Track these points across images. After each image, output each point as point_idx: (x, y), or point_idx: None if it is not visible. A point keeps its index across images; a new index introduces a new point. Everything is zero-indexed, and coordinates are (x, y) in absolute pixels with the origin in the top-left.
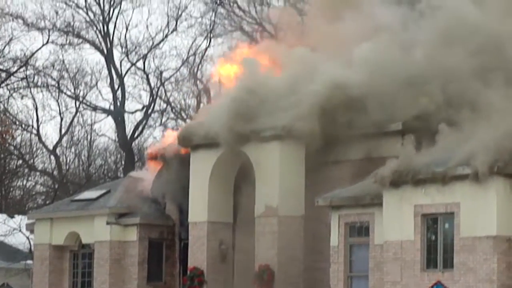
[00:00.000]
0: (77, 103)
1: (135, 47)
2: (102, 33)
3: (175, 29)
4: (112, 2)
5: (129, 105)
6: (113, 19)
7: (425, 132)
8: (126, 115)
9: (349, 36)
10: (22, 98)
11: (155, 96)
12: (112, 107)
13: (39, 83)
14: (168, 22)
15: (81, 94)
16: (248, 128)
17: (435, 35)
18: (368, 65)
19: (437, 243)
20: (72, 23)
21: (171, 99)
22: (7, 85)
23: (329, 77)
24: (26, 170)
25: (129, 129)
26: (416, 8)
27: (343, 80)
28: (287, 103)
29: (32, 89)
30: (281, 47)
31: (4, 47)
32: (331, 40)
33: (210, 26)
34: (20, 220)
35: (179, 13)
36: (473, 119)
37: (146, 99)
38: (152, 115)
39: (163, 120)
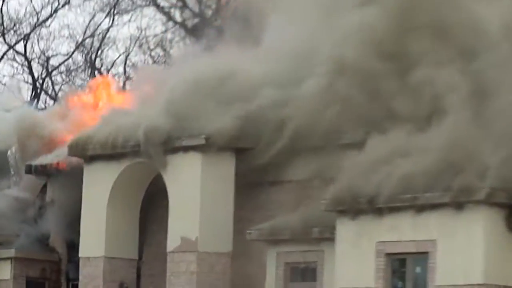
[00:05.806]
0: None
1: (14, 25)
2: None
3: (67, 2)
4: None
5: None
6: None
7: None
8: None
9: None
10: None
11: (39, 90)
12: None
13: None
14: None
15: None
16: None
17: None
18: None
19: None
20: None
21: (59, 94)
22: None
23: None
24: None
25: None
26: None
27: None
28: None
29: None
30: None
31: None
32: None
33: None
34: None
35: None
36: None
37: (27, 94)
38: None
39: None
